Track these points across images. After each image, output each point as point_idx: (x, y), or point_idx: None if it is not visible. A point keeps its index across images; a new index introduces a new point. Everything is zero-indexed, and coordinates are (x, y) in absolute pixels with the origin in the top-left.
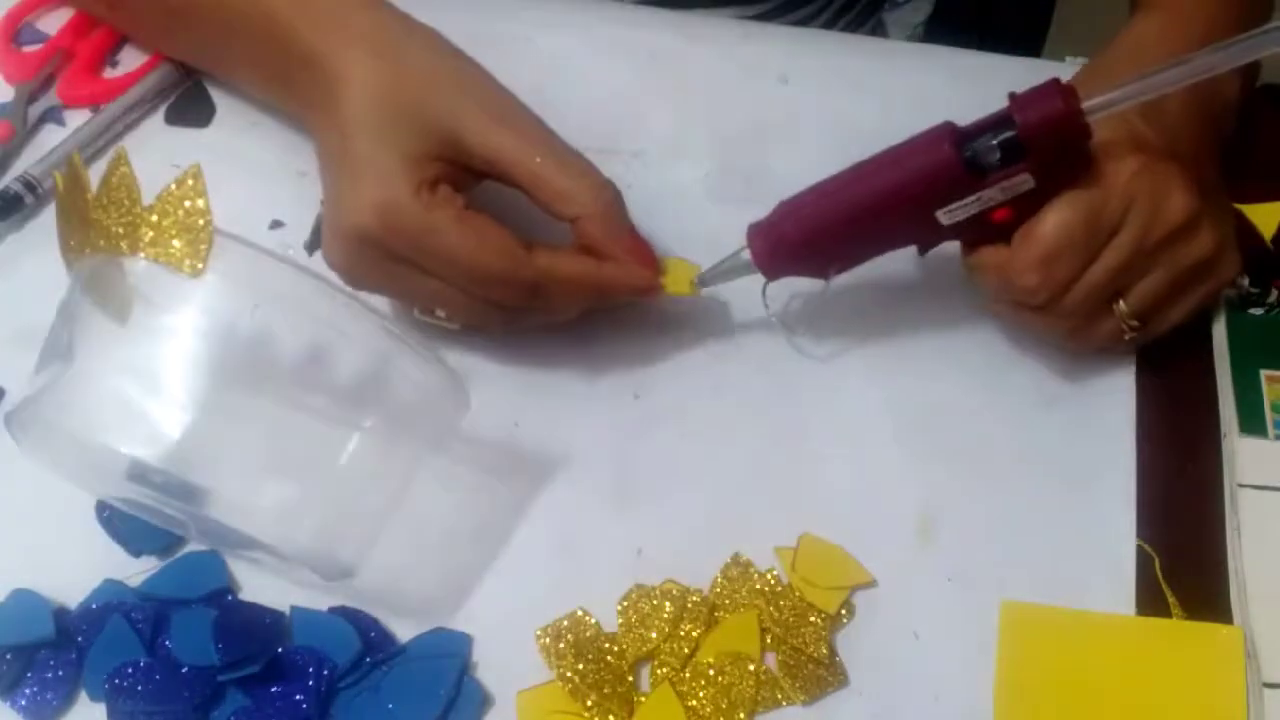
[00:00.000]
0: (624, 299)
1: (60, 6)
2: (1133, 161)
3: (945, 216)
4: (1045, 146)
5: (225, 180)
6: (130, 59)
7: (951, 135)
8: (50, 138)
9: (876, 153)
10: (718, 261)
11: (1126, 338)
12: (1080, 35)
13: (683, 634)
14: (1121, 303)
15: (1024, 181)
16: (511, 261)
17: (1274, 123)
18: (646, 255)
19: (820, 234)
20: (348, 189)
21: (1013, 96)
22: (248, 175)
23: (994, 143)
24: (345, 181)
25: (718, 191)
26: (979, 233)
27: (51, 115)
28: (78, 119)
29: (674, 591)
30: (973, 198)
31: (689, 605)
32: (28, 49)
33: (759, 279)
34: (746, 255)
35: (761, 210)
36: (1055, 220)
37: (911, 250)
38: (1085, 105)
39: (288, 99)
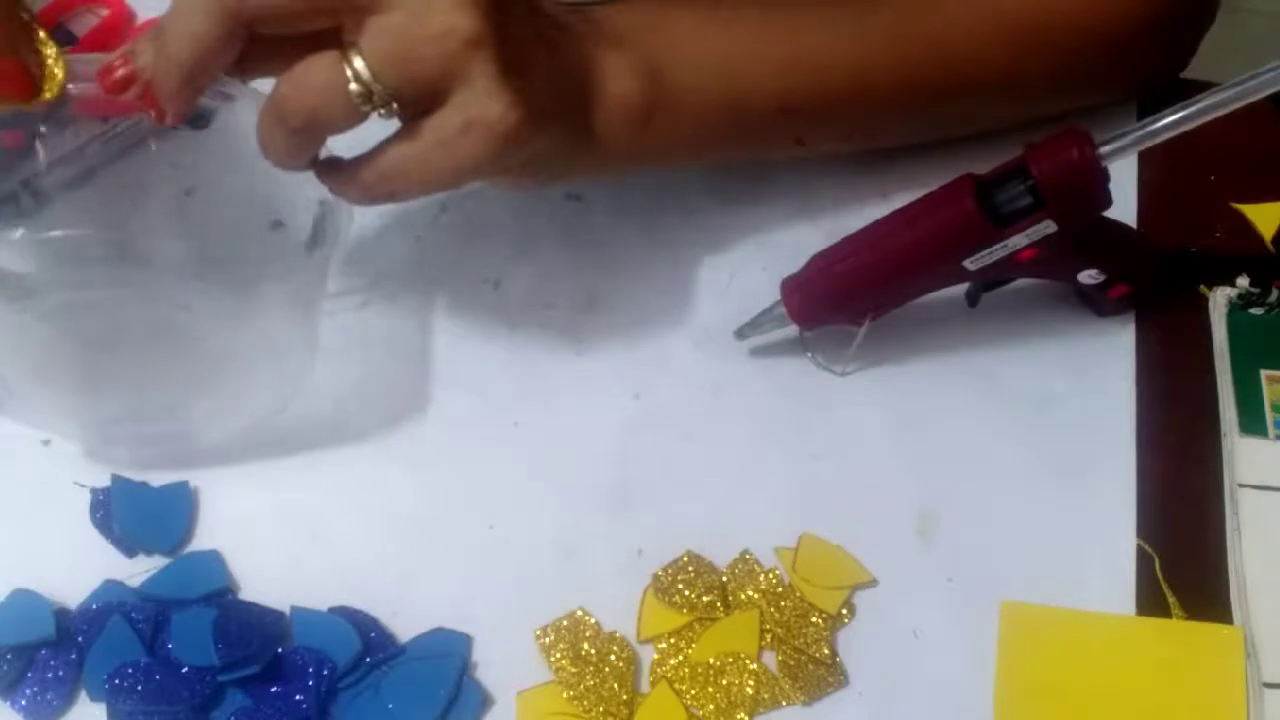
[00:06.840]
0: None
1: (95, 5)
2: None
3: (972, 264)
4: (1064, 194)
5: (225, 180)
6: None
7: (971, 189)
8: (60, 143)
9: (900, 207)
10: (756, 315)
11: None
12: None
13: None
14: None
15: (1047, 226)
16: None
17: (1274, 123)
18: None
19: (850, 290)
20: None
21: (1029, 146)
22: (248, 175)
23: (1013, 194)
24: None
25: (719, 190)
26: (1006, 270)
27: (67, 120)
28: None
29: None
30: (999, 245)
31: None
32: None
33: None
34: (782, 309)
35: (761, 209)
36: None
37: None
38: (1102, 150)
39: None
